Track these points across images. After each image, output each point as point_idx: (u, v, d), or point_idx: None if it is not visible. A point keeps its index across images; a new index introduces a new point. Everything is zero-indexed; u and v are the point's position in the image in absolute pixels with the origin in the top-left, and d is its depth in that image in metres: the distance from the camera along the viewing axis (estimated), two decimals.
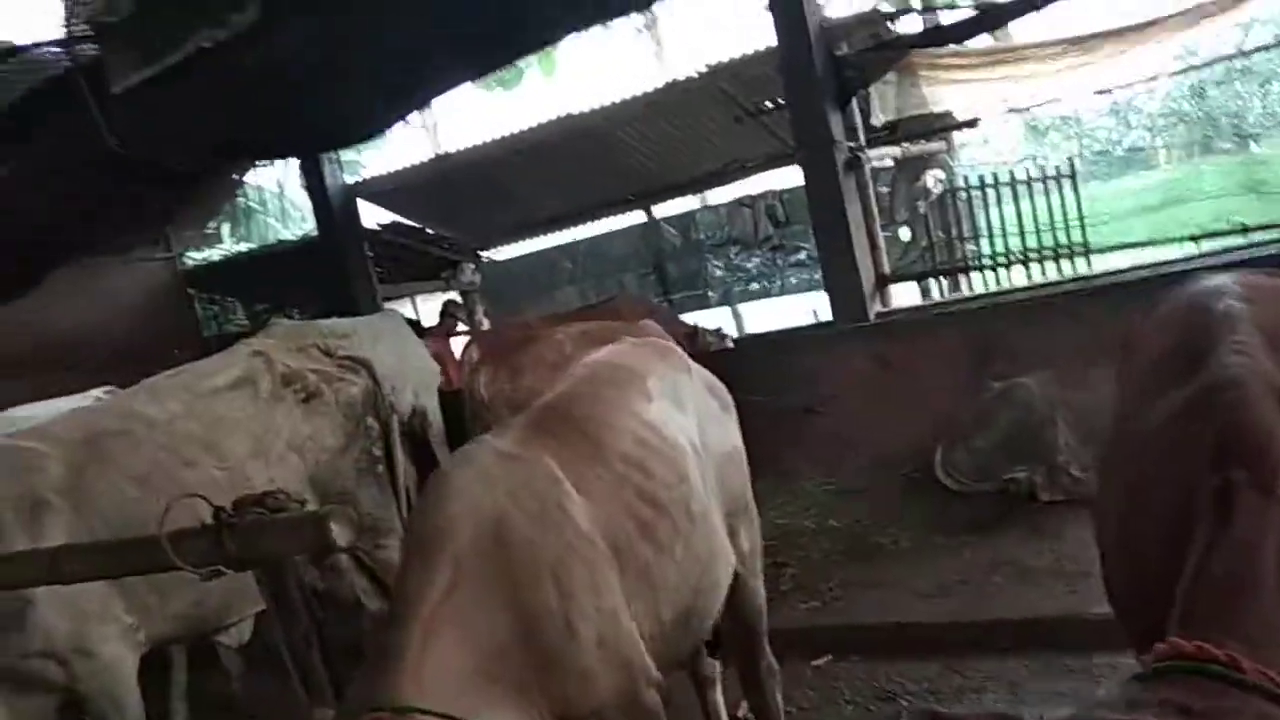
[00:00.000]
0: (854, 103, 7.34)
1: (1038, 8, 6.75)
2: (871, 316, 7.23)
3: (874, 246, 7.41)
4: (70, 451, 3.50)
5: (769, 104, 8.59)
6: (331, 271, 9.73)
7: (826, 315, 8.88)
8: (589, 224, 10.84)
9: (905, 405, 6.74)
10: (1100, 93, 7.49)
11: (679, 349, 3.13)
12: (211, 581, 3.76)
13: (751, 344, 8.36)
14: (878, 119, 7.37)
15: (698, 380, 3.02)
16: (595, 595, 2.13)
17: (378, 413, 4.38)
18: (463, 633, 1.93)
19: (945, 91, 7.29)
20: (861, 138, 7.41)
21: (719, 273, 10.58)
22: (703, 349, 6.84)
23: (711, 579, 2.65)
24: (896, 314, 7.39)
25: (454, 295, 11.11)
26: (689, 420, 2.78)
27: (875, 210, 7.50)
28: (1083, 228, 8.58)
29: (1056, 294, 6.72)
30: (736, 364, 6.17)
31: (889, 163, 8.97)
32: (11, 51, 6.92)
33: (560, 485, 2.24)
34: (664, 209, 10.75)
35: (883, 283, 7.48)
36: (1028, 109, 8.06)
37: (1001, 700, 3.79)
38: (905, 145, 8.16)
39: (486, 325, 11.00)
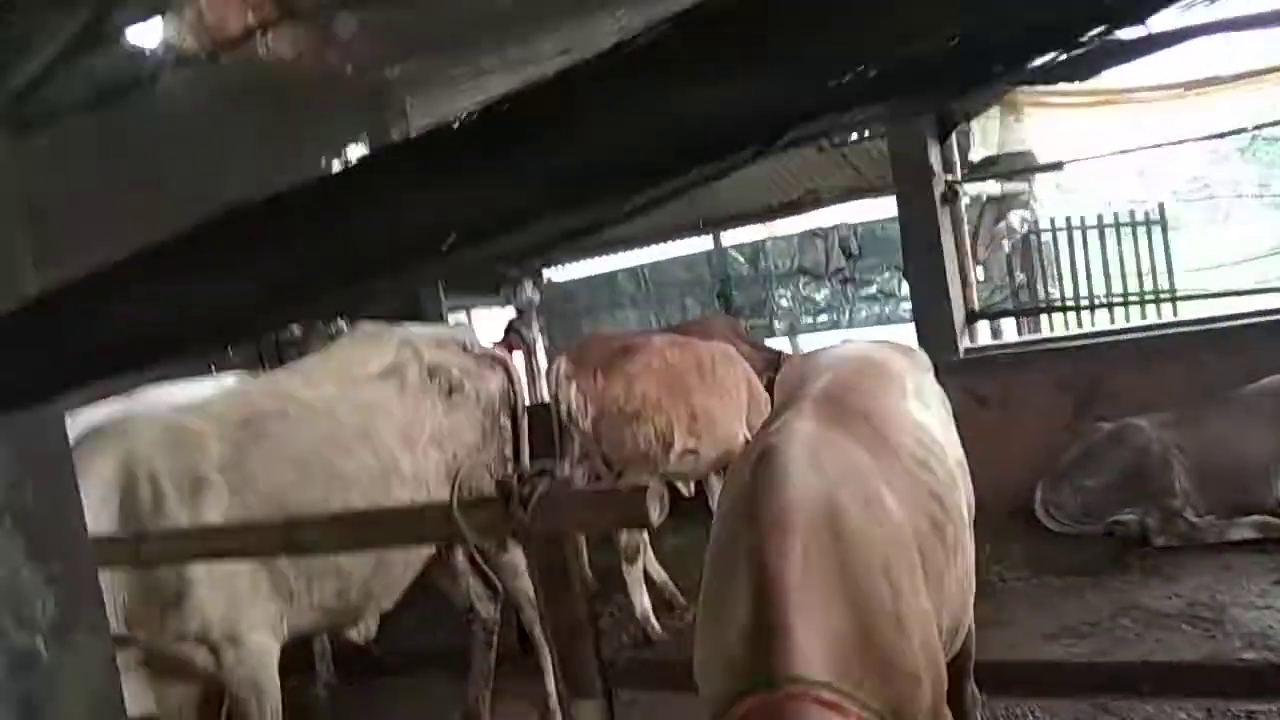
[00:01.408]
0: (953, 136, 7.31)
1: (1141, 54, 6.71)
2: (960, 352, 7.13)
3: (965, 282, 7.33)
4: (231, 431, 3.39)
5: (854, 135, 8.58)
6: None
7: None
8: (654, 247, 10.76)
9: (999, 442, 6.57)
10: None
11: (917, 349, 3.01)
12: (354, 571, 3.67)
13: None
14: (977, 153, 7.31)
15: (936, 383, 2.90)
16: (915, 595, 1.99)
17: (513, 411, 4.24)
18: (824, 622, 1.79)
19: (1045, 130, 7.24)
20: (959, 171, 7.36)
21: (785, 303, 10.48)
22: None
23: (973, 592, 2.51)
24: (989, 350, 7.27)
25: (512, 310, 11.02)
26: (936, 422, 2.65)
27: (968, 246, 7.44)
28: (1170, 273, 8.57)
29: (1164, 336, 6.60)
30: None
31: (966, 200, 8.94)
32: None
33: (875, 475, 2.10)
34: (732, 236, 10.68)
35: (972, 319, 7.39)
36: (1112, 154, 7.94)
37: None
38: (1001, 182, 8.11)
39: (543, 344, 10.91)
